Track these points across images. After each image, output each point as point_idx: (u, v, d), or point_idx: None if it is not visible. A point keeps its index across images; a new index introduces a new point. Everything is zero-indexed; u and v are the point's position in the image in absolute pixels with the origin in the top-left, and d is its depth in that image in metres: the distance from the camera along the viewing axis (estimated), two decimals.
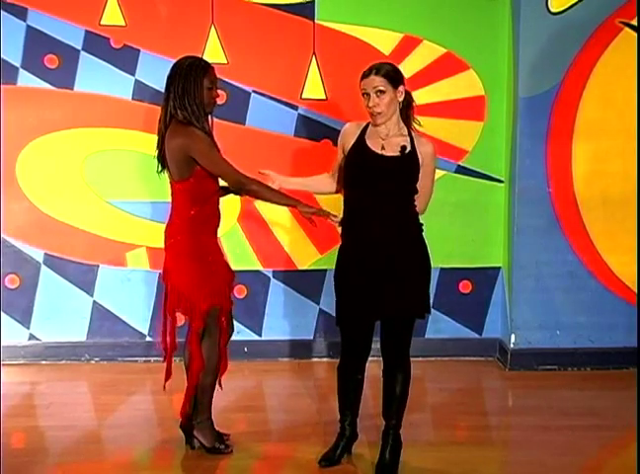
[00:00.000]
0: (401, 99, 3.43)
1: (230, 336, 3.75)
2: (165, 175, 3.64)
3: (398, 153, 3.41)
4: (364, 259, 3.43)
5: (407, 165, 3.43)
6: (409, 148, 3.42)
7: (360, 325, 3.49)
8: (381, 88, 3.36)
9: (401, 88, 3.41)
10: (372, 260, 3.41)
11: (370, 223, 3.41)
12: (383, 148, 3.42)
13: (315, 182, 3.80)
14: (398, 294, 3.42)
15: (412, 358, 5.02)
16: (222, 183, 3.63)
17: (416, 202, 3.52)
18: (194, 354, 3.59)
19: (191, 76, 3.47)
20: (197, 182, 3.50)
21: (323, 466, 3.57)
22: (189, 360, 3.64)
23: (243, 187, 3.52)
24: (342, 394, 3.63)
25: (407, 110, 3.48)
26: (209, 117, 3.57)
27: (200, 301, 3.54)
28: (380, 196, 3.40)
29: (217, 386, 3.72)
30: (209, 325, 3.60)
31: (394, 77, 3.40)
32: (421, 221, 3.55)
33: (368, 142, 3.45)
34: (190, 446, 3.73)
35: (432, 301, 4.98)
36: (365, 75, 3.41)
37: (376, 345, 3.56)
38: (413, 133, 3.48)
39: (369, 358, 3.59)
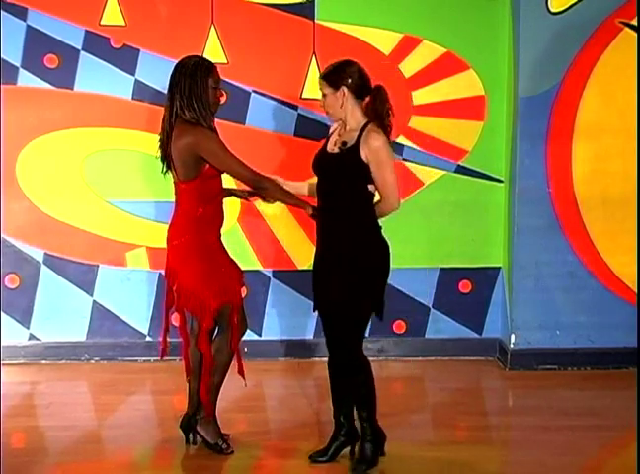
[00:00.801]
0: (344, 100, 3.41)
1: (244, 332, 3.76)
2: (167, 175, 3.64)
3: (338, 150, 3.45)
4: (317, 254, 3.55)
5: (345, 162, 3.43)
6: (350, 144, 3.41)
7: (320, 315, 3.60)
8: (323, 90, 3.46)
9: (342, 89, 3.40)
10: (319, 256, 3.53)
11: (320, 221, 3.51)
12: (335, 145, 3.48)
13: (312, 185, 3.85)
14: (325, 290, 3.49)
15: (412, 358, 5.08)
16: (229, 184, 3.64)
17: (381, 201, 3.48)
18: (205, 353, 3.60)
19: (196, 76, 3.47)
20: (202, 182, 3.50)
21: (312, 461, 3.60)
22: (200, 359, 3.64)
23: (256, 184, 3.54)
24: (330, 389, 3.66)
25: (375, 106, 3.44)
26: (213, 116, 3.57)
27: (211, 300, 3.55)
28: (326, 193, 3.49)
29: (241, 380, 3.76)
30: (221, 323, 3.62)
31: (333, 79, 3.43)
32: (379, 222, 3.50)
33: (329, 141, 3.54)
34: (191, 443, 3.73)
35: (431, 301, 5.08)
36: None
37: (371, 344, 3.58)
38: (368, 128, 3.41)
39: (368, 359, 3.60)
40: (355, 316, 3.46)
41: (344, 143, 3.44)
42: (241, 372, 3.75)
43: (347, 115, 3.45)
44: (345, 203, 3.44)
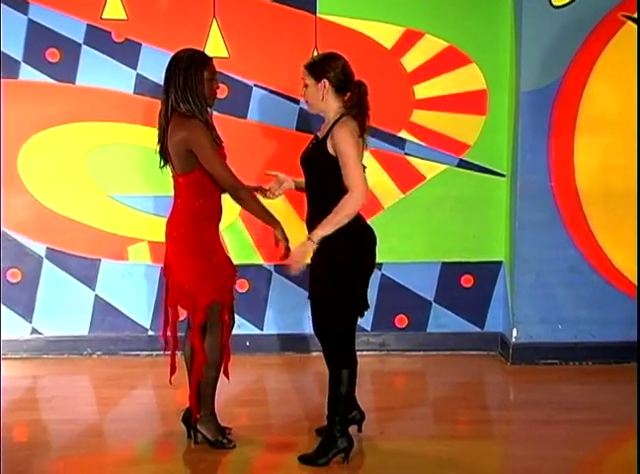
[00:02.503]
0: (324, 92, 3.41)
1: (231, 329, 3.75)
2: (166, 169, 3.64)
3: (311, 144, 3.52)
4: None
5: (315, 155, 3.47)
6: (321, 137, 3.46)
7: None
8: (305, 80, 3.45)
9: (323, 82, 3.41)
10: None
11: (307, 214, 3.56)
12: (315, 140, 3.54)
13: None
14: (311, 280, 3.53)
15: (414, 353, 5.09)
16: None
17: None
18: (196, 348, 3.59)
19: (191, 69, 3.46)
20: (201, 175, 3.49)
21: (317, 434, 3.71)
22: (192, 355, 3.64)
23: (234, 192, 3.49)
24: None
25: (353, 104, 3.43)
26: (210, 109, 3.57)
27: (202, 296, 3.53)
28: (307, 186, 3.54)
29: (225, 378, 3.73)
30: (211, 320, 3.60)
31: (315, 71, 3.42)
32: (359, 216, 3.45)
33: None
34: (193, 441, 3.72)
35: (433, 295, 5.09)
36: None
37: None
38: (339, 121, 3.41)
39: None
40: (337, 310, 3.46)
41: (316, 137, 3.51)
42: (226, 373, 3.74)
43: (327, 107, 3.46)
44: (321, 197, 3.45)
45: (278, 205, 4.86)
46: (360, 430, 3.74)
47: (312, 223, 3.48)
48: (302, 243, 3.41)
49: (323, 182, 3.44)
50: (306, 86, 3.46)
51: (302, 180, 3.71)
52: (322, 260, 3.45)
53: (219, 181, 3.49)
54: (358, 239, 3.44)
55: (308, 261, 3.46)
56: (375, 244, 3.49)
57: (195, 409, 3.66)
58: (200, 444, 3.72)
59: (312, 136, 3.63)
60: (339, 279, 3.42)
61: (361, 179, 3.36)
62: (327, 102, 3.44)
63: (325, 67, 3.42)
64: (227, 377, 3.76)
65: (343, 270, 3.42)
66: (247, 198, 3.53)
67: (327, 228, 3.36)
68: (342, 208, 3.35)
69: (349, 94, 3.46)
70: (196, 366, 3.60)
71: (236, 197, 3.53)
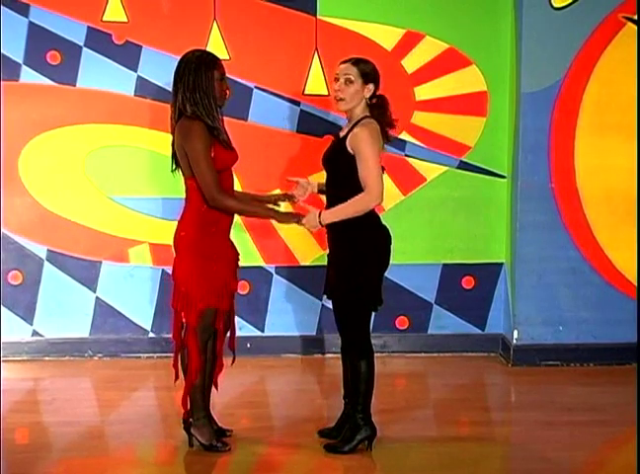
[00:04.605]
0: (367, 95, 3.52)
1: (224, 336, 3.72)
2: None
3: (332, 143, 3.61)
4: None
5: (335, 155, 3.55)
6: (342, 136, 3.53)
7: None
8: (351, 77, 3.49)
9: (370, 86, 3.51)
10: (328, 245, 3.67)
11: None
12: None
13: None
14: (329, 278, 3.67)
15: (415, 354, 5.09)
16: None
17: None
18: (191, 351, 3.57)
19: (201, 69, 3.45)
20: None
21: (319, 436, 3.76)
22: (187, 358, 3.62)
23: (216, 204, 3.46)
24: (342, 370, 3.79)
25: (378, 112, 3.54)
26: (220, 111, 3.54)
27: (197, 299, 3.51)
28: (327, 183, 3.63)
29: (213, 386, 3.73)
30: (201, 325, 3.56)
31: (367, 73, 3.51)
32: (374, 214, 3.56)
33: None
34: (188, 444, 3.70)
35: (434, 297, 5.08)
36: (343, 61, 3.55)
37: (374, 340, 3.64)
38: (361, 121, 3.49)
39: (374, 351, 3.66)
40: (352, 304, 3.56)
41: (337, 136, 3.59)
42: (215, 382, 3.74)
43: (358, 109, 3.53)
44: (340, 195, 3.50)
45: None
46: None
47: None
48: (312, 217, 3.50)
49: (343, 180, 3.50)
50: (350, 82, 3.49)
51: (323, 182, 3.74)
52: (343, 257, 3.55)
53: (201, 185, 3.46)
54: (377, 236, 3.56)
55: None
56: (391, 241, 3.63)
57: (186, 411, 3.65)
58: (197, 447, 3.71)
59: (332, 137, 3.70)
60: (360, 275, 3.52)
61: (380, 180, 3.45)
62: (361, 104, 3.53)
63: (373, 71, 3.53)
64: (216, 387, 3.75)
65: (364, 266, 3.52)
66: (228, 206, 3.49)
67: (335, 216, 3.48)
68: (354, 204, 3.45)
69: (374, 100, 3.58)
70: (189, 369, 3.59)
71: (214, 207, 3.47)
